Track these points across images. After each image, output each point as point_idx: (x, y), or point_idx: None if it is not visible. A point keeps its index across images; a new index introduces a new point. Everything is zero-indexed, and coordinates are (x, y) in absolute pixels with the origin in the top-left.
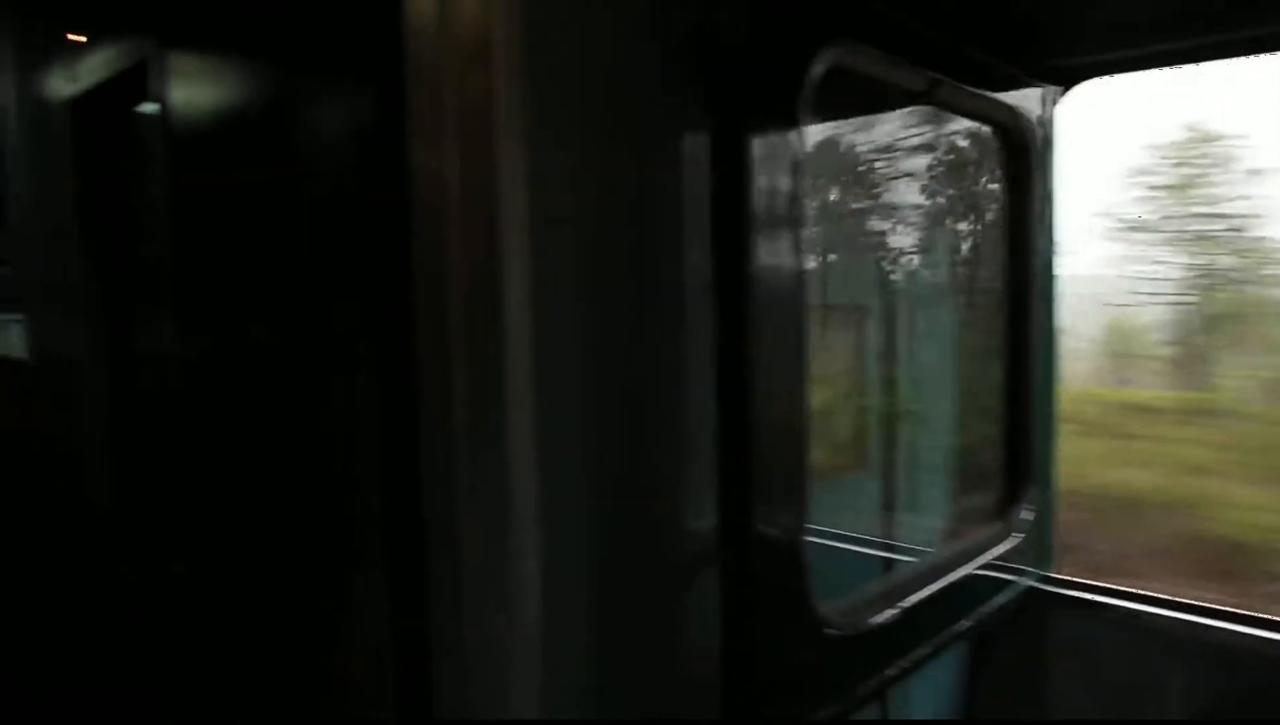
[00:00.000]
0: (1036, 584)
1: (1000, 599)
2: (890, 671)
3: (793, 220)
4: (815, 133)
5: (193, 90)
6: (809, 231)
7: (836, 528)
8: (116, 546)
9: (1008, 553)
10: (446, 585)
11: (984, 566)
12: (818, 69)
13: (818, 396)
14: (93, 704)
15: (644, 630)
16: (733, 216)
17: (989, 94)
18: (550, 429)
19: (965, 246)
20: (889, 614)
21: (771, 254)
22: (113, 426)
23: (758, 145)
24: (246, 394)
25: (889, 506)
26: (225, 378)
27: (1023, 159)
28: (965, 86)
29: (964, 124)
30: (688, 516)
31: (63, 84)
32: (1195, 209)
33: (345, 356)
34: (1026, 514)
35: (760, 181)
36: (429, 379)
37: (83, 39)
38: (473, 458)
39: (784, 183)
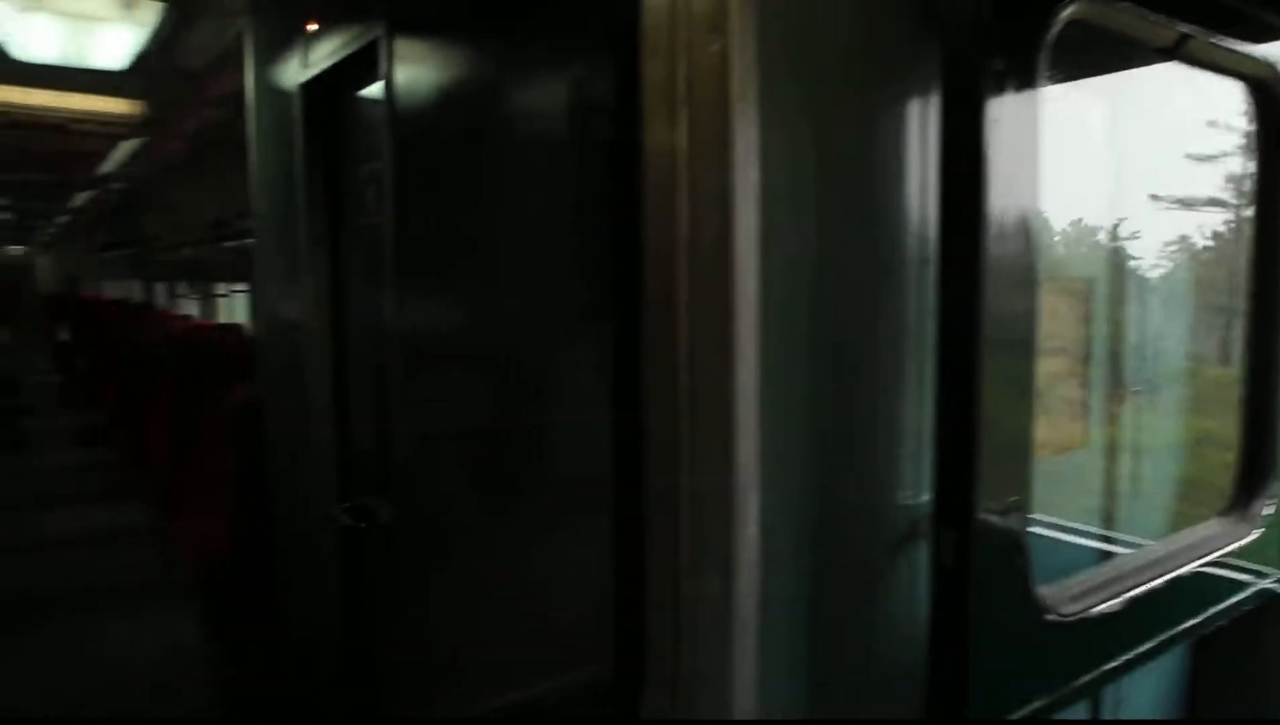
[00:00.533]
0: (1276, 586)
1: (1234, 599)
2: (1109, 665)
3: (1029, 190)
4: (1055, 95)
5: (418, 69)
6: (1045, 201)
7: (1054, 509)
8: (335, 494)
9: (1244, 550)
10: (665, 544)
11: (1217, 563)
12: (1059, 24)
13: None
14: (308, 638)
15: (854, 604)
16: (967, 186)
17: (1246, 48)
18: (773, 398)
19: (1209, 221)
20: (1112, 603)
21: (1005, 224)
22: (335, 392)
23: (995, 108)
24: (468, 361)
25: (1113, 491)
26: (448, 344)
27: None
28: (1219, 40)
29: (1215, 80)
30: (902, 493)
31: (296, 70)
32: None
33: (571, 324)
34: (1267, 510)
35: (997, 148)
36: (654, 346)
37: (316, 26)
38: (697, 422)
39: (1022, 149)
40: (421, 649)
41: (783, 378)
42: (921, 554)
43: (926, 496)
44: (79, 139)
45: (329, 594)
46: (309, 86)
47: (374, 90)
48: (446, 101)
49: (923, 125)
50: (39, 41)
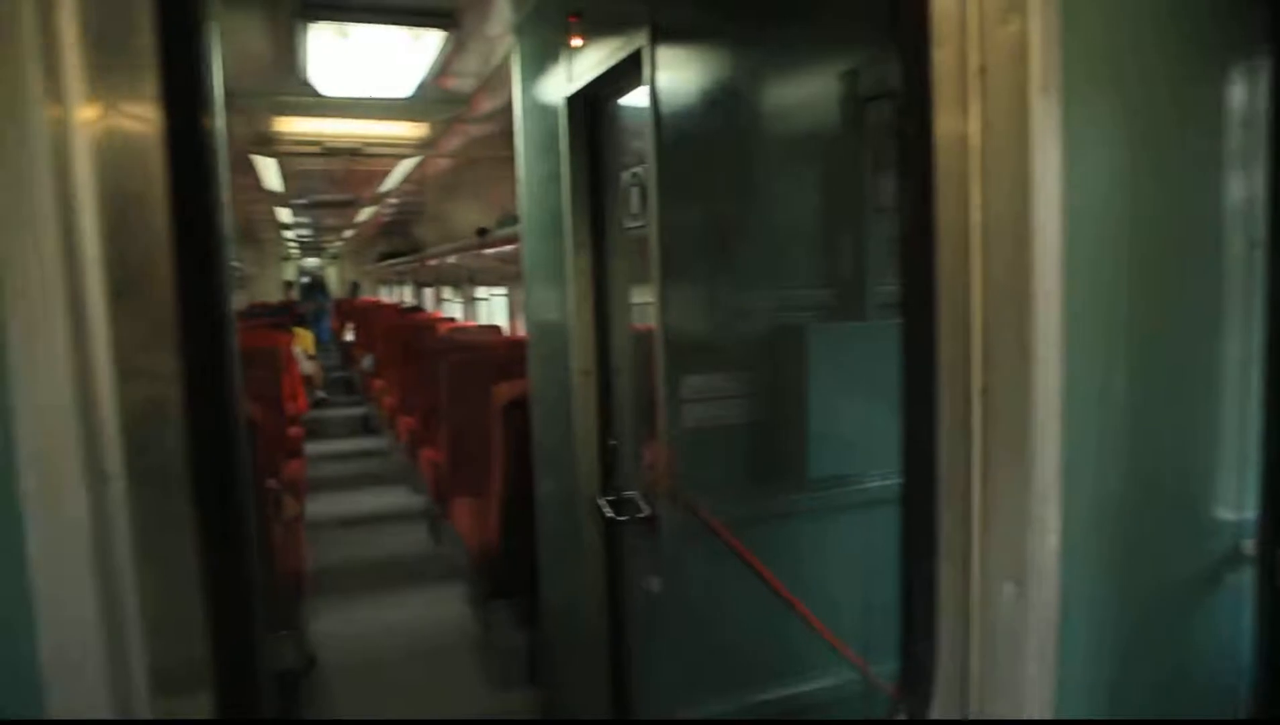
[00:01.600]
0: None
1: None
2: None
3: None
4: None
5: (681, 73)
6: None
7: None
8: (599, 487)
9: None
10: (956, 546)
11: None
12: None
13: None
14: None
15: (1164, 622)
16: None
17: None
18: (1075, 398)
19: None
20: None
21: None
22: (599, 388)
23: None
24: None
25: None
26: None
27: None
28: None
29: None
30: (1221, 506)
31: (561, 84)
32: None
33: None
34: None
35: None
36: (947, 341)
37: (580, 42)
38: (991, 421)
39: None
40: (686, 643)
41: (1086, 377)
42: (1244, 573)
43: (1250, 513)
44: (365, 161)
45: (590, 580)
46: (573, 99)
47: (634, 98)
48: (711, 103)
49: (1250, 94)
50: (344, 76)
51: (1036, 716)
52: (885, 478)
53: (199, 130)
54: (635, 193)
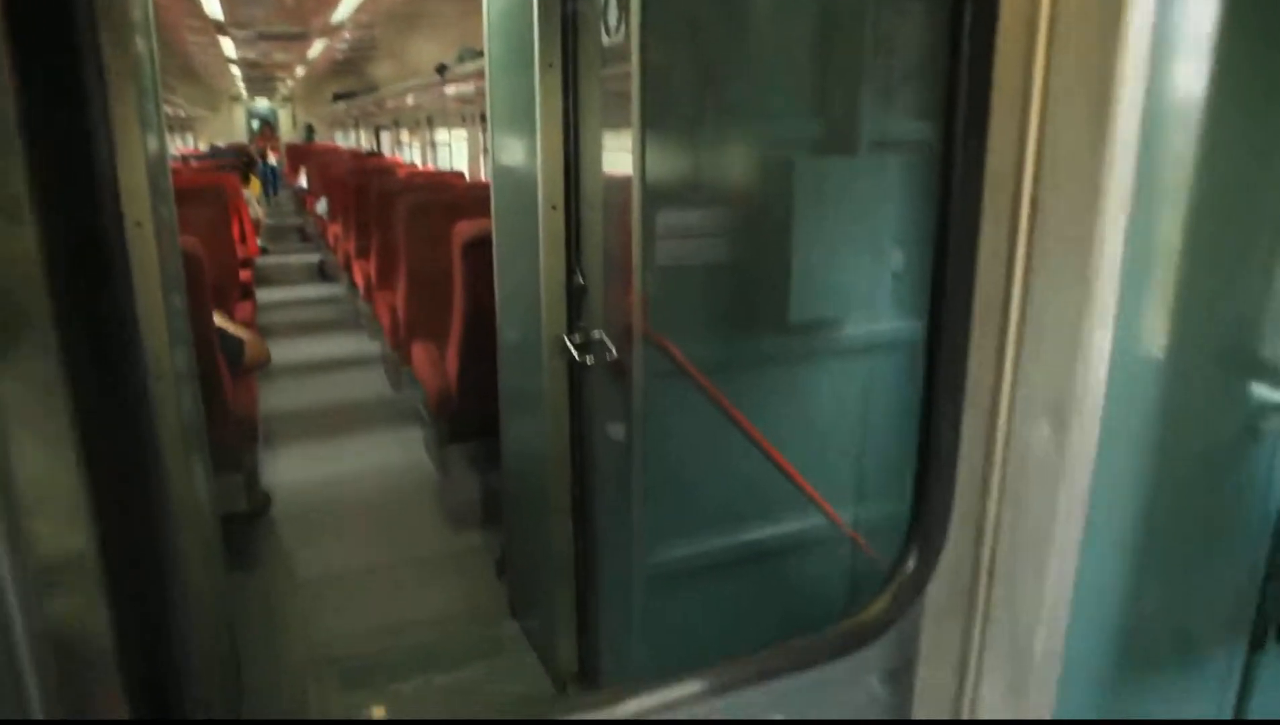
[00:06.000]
0: None
1: None
2: None
3: None
4: None
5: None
6: None
7: None
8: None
9: None
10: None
11: None
12: None
13: None
14: None
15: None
16: None
17: None
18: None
19: None
20: None
21: None
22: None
23: None
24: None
25: None
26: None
27: None
28: None
29: None
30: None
31: None
32: None
33: None
34: None
35: None
36: (998, 148)
37: None
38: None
39: None
40: (653, 489)
41: (1132, 387)
42: None
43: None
44: None
45: (553, 425)
46: None
47: None
48: None
49: None
50: None
51: (1058, 560)
52: (873, 324)
53: None
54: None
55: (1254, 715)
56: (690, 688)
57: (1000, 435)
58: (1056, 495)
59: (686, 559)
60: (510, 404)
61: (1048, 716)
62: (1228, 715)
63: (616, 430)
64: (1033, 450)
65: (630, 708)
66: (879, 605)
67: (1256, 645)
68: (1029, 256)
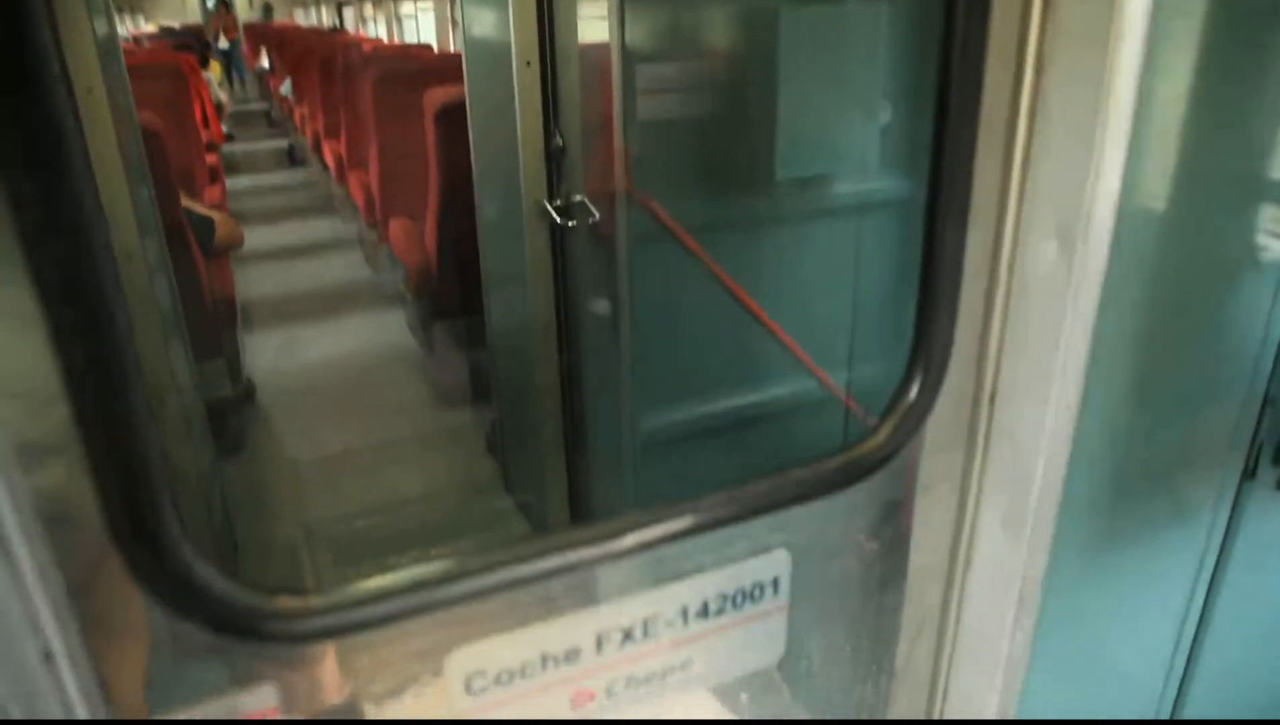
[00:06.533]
0: None
1: None
2: None
3: None
4: None
5: None
6: None
7: None
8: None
9: None
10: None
11: None
12: None
13: None
14: None
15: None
16: None
17: None
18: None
19: None
20: None
21: None
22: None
23: None
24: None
25: None
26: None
27: None
28: None
29: None
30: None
31: None
32: None
33: None
34: None
35: None
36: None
37: None
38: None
39: None
40: (640, 354)
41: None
42: None
43: None
44: None
45: (537, 294)
46: None
47: None
48: None
49: None
50: None
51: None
52: (863, 182)
53: None
54: None
55: (1242, 542)
56: (689, 519)
57: (1005, 257)
58: (1062, 318)
59: (678, 426)
60: (493, 275)
61: (1046, 543)
62: (1218, 542)
63: (603, 297)
64: (1039, 272)
65: (629, 541)
66: (880, 437)
67: (1249, 473)
68: (1039, 58)
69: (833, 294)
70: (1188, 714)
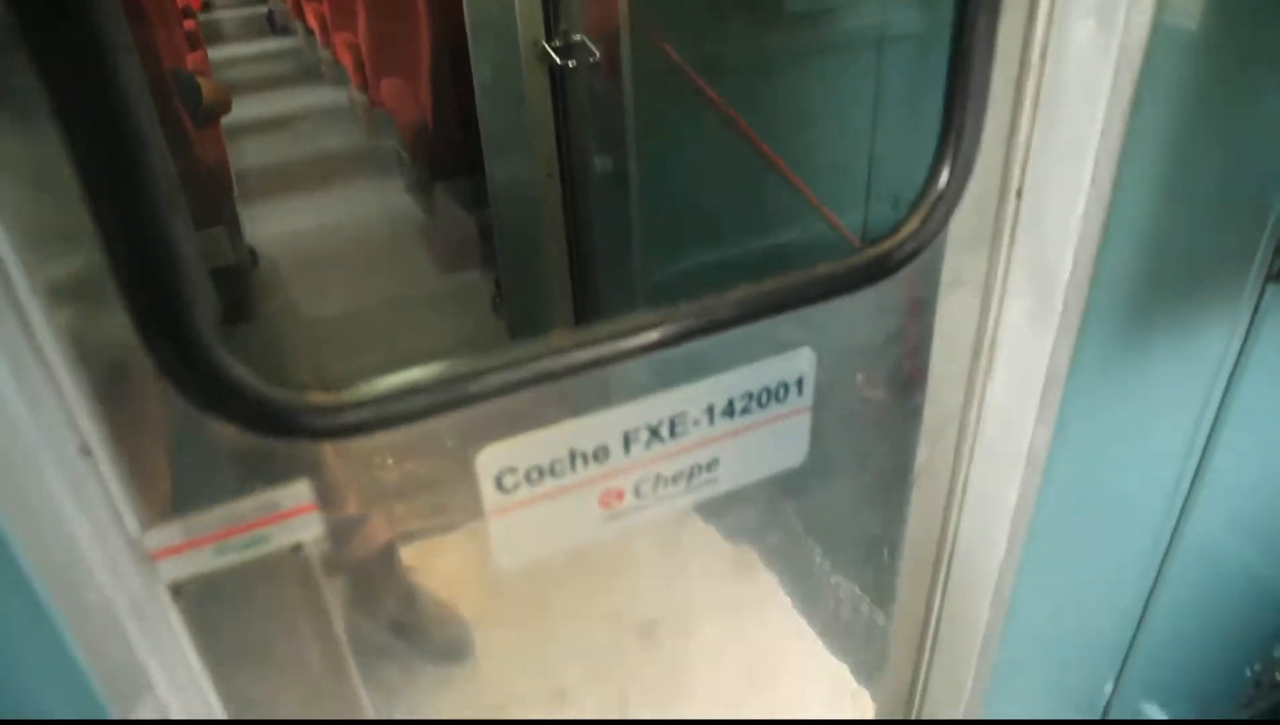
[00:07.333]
0: None
1: None
2: None
3: None
4: None
5: None
6: None
7: None
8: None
9: None
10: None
11: None
12: None
13: None
14: None
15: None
16: None
17: None
18: None
19: None
20: None
21: None
22: None
23: None
24: None
25: None
26: None
27: None
28: None
29: None
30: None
31: None
32: None
33: None
34: None
35: None
36: None
37: None
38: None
39: None
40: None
41: None
42: None
43: None
44: None
45: (539, 144)
46: None
47: None
48: None
49: None
50: None
51: (1093, 172)
52: (881, 14)
53: None
54: None
55: (1260, 346)
56: (708, 315)
57: (1038, 41)
58: (1097, 102)
59: (688, 274)
60: (492, 127)
61: (1071, 341)
62: (1238, 344)
63: (608, 142)
64: (1074, 53)
65: (654, 336)
66: (905, 230)
67: (1273, 276)
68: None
69: (851, 135)
70: (1194, 513)
